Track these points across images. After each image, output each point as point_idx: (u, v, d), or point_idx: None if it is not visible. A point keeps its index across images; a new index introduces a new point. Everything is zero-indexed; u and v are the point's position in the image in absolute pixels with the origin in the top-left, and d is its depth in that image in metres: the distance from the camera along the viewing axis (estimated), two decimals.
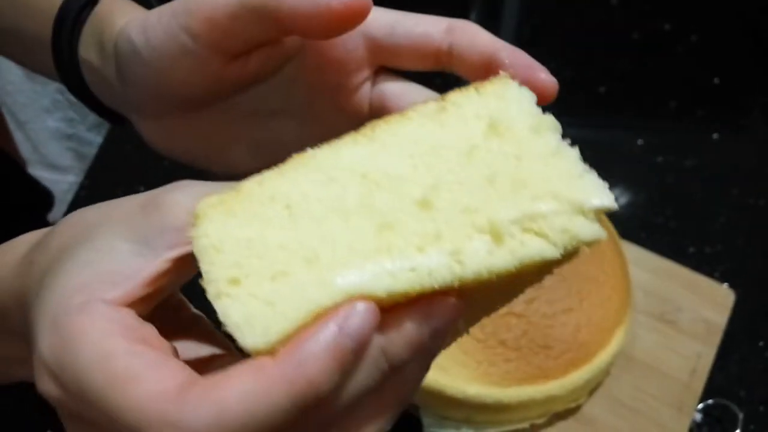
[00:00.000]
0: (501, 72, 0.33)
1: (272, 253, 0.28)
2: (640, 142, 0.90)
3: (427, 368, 0.31)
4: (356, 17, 0.33)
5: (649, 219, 0.84)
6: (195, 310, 0.35)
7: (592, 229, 0.29)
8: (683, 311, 0.73)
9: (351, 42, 0.36)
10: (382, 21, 0.36)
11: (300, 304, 0.27)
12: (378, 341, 0.27)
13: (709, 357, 0.70)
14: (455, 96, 0.32)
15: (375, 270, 0.27)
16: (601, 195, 0.29)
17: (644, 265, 0.76)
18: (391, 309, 0.28)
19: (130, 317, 0.28)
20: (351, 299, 0.27)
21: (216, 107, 0.39)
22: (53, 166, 1.29)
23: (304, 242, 0.28)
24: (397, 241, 0.28)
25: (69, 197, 0.91)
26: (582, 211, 0.29)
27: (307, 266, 0.27)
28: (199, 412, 0.25)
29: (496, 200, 0.29)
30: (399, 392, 0.29)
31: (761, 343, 0.75)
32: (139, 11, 0.41)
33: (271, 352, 0.26)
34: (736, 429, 0.67)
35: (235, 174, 0.40)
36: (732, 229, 0.85)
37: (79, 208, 0.33)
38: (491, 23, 1.07)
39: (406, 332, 0.28)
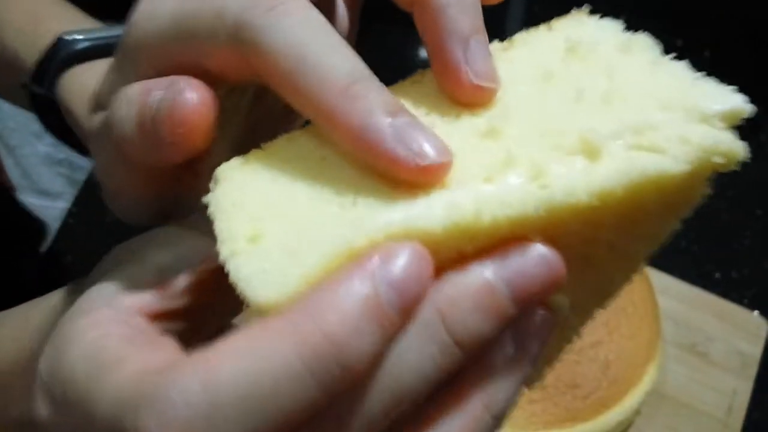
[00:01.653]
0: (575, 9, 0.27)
1: (302, 204, 0.23)
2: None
3: (521, 370, 0.22)
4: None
5: (672, 243, 0.80)
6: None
7: (723, 138, 0.22)
8: (715, 342, 0.69)
9: None
10: None
11: (326, 245, 0.21)
12: (435, 302, 0.20)
13: (745, 392, 0.65)
14: (523, 35, 0.27)
15: (426, 203, 0.21)
16: (725, 97, 0.23)
17: (671, 293, 0.71)
18: (456, 262, 0.21)
19: (144, 324, 0.23)
20: (394, 239, 0.20)
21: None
22: (44, 192, 1.26)
23: (341, 190, 0.23)
24: (456, 175, 0.22)
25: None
26: (704, 118, 0.23)
27: (341, 212, 0.22)
28: (182, 386, 0.18)
29: (587, 118, 0.23)
30: (479, 387, 0.21)
31: None
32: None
33: (282, 305, 0.20)
34: None
35: None
36: (758, 251, 0.81)
37: (67, 236, 0.29)
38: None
39: (475, 288, 0.20)
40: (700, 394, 0.65)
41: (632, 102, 0.23)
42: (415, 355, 0.19)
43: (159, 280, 0.25)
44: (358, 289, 0.19)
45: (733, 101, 0.23)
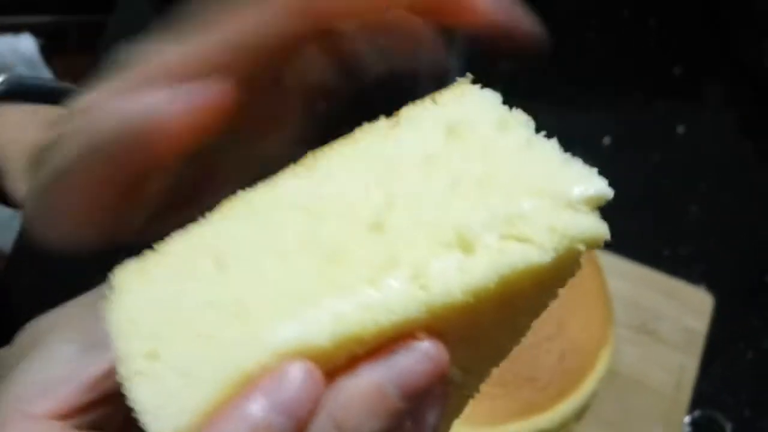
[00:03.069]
0: (458, 79, 0.28)
1: (197, 314, 0.23)
2: (606, 140, 0.89)
3: (397, 424, 0.23)
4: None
5: (619, 222, 0.82)
6: None
7: (586, 223, 0.24)
8: (663, 320, 0.72)
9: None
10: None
11: (219, 371, 0.22)
12: (328, 410, 0.21)
13: (692, 367, 0.69)
14: (409, 110, 0.28)
15: (314, 315, 0.22)
16: (587, 181, 0.24)
17: (619, 274, 0.74)
18: (347, 366, 0.22)
19: (55, 427, 0.24)
20: (285, 357, 0.21)
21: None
22: None
23: (234, 295, 0.23)
24: (342, 277, 0.23)
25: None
26: (570, 204, 0.24)
27: (234, 322, 0.23)
28: None
29: (462, 207, 0.24)
30: None
31: (741, 345, 0.74)
32: None
33: None
34: None
35: None
36: (704, 227, 0.84)
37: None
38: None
39: (366, 392, 0.21)
40: (650, 372, 0.69)
41: (504, 189, 0.24)
42: None
43: (69, 373, 0.25)
44: (252, 423, 0.20)
45: (596, 186, 0.24)
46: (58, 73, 1.02)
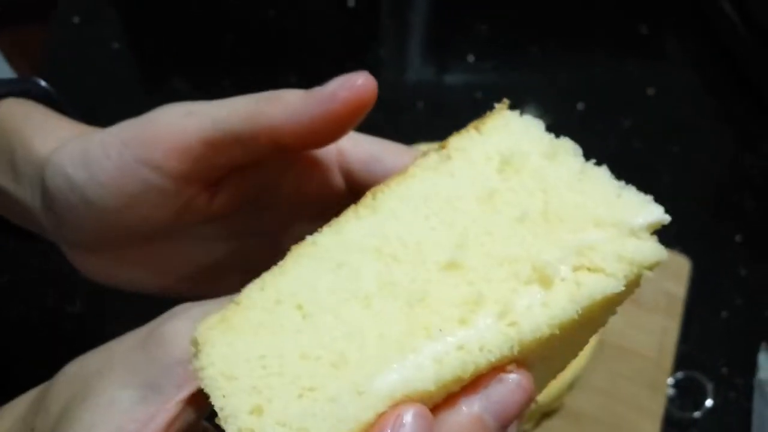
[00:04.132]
0: (497, 104, 0.29)
1: (293, 365, 0.24)
2: (580, 106, 0.89)
3: None
4: (357, 113, 0.29)
5: None
6: None
7: (650, 250, 0.26)
8: (644, 286, 0.74)
9: (330, 177, 0.33)
10: (360, 153, 0.33)
11: (337, 425, 0.23)
12: None
13: (673, 330, 0.72)
14: (456, 140, 0.29)
15: (416, 360, 0.23)
16: (647, 210, 0.27)
17: None
18: (446, 401, 0.24)
19: None
20: (395, 403, 0.23)
21: (172, 236, 0.34)
22: None
23: (327, 344, 0.24)
24: (432, 318, 0.24)
25: None
26: (632, 232, 0.26)
27: (335, 373, 0.23)
28: None
29: (534, 242, 0.26)
30: None
31: (717, 304, 0.78)
32: (63, 129, 0.35)
33: None
34: (706, 398, 0.70)
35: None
36: (677, 189, 0.86)
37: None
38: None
39: (466, 422, 0.23)
40: (634, 337, 0.72)
41: (570, 221, 0.26)
42: None
43: (138, 420, 0.26)
44: None
45: (656, 214, 0.26)
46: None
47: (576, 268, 0.25)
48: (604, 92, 0.93)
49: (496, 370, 0.24)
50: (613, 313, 0.28)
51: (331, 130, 0.30)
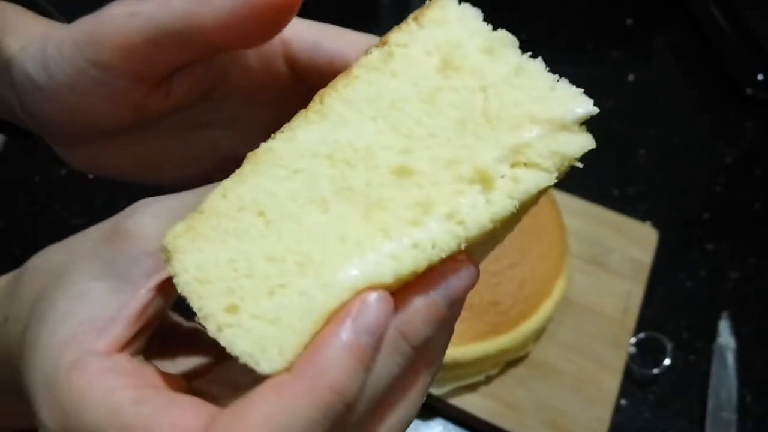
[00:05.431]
0: None
1: (261, 267, 0.26)
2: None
3: (450, 333, 0.30)
4: (281, 15, 0.30)
5: (575, 166, 0.88)
6: (188, 324, 0.35)
7: (580, 141, 0.28)
8: (612, 253, 0.79)
9: (273, 64, 0.34)
10: (303, 42, 0.33)
11: (307, 313, 0.25)
12: (395, 326, 0.26)
13: (638, 294, 0.76)
14: (397, 36, 0.29)
15: (375, 257, 0.26)
16: (577, 102, 0.28)
17: (573, 211, 0.80)
18: (401, 289, 0.27)
19: (127, 362, 0.27)
20: (359, 293, 0.26)
21: (142, 129, 0.36)
22: None
23: (291, 247, 0.26)
24: (388, 220, 0.27)
25: None
26: (565, 126, 0.28)
27: (302, 271, 0.26)
28: None
29: (475, 143, 0.28)
30: (427, 366, 0.29)
31: (682, 274, 0.81)
32: (34, 27, 0.36)
33: (288, 368, 0.25)
34: (665, 358, 0.74)
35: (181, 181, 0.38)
36: (651, 168, 0.90)
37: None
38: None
39: (423, 309, 0.27)
40: (600, 299, 0.75)
41: (507, 119, 0.28)
42: (386, 367, 0.26)
43: (114, 313, 0.27)
44: (346, 345, 0.24)
45: (585, 106, 0.28)
46: None
47: (514, 165, 0.27)
48: (588, 76, 0.97)
49: (446, 260, 0.27)
50: (545, 192, 0.30)
51: (260, 29, 0.30)
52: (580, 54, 1.01)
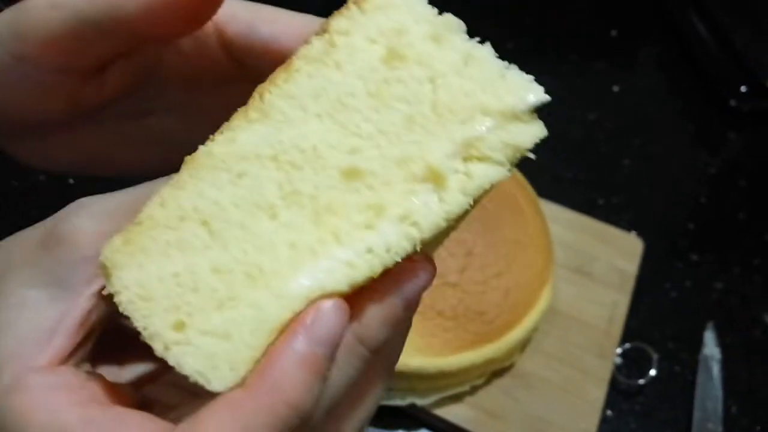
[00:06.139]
0: None
1: (207, 280, 0.25)
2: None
3: (407, 332, 0.29)
4: (207, 3, 0.29)
5: (559, 174, 0.88)
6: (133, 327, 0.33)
7: (532, 131, 0.27)
8: (598, 262, 0.78)
9: (207, 48, 0.32)
10: (237, 26, 0.31)
11: (259, 326, 0.24)
12: (352, 330, 0.25)
13: (624, 304, 0.75)
14: (338, 22, 0.28)
15: (329, 265, 0.25)
16: (529, 90, 0.26)
17: (559, 221, 0.80)
18: (356, 293, 0.26)
19: (71, 375, 0.26)
20: (313, 302, 0.24)
21: (83, 121, 0.34)
22: None
23: (238, 257, 0.25)
24: (340, 225, 0.26)
25: None
26: (517, 116, 0.26)
27: (251, 282, 0.25)
28: None
29: (426, 139, 0.26)
30: (385, 366, 0.28)
31: (667, 285, 0.81)
32: None
33: (241, 383, 0.24)
34: (651, 368, 0.73)
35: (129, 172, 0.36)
36: (636, 178, 0.90)
37: None
38: None
39: (379, 313, 0.26)
40: (586, 308, 0.75)
41: (457, 111, 0.27)
42: (344, 372, 0.25)
43: (53, 324, 0.26)
44: (300, 357, 0.24)
45: (537, 95, 0.26)
46: None
47: (466, 159, 0.26)
48: (573, 87, 0.97)
49: (402, 261, 0.26)
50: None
51: (187, 18, 0.29)
52: (565, 65, 1.01)
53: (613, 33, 1.06)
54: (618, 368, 0.73)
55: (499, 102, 0.26)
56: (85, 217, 0.26)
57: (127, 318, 0.26)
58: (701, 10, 1.01)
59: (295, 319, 0.24)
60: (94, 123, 0.35)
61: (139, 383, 0.30)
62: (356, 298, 0.26)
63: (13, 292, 0.26)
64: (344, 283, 0.25)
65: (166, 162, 0.28)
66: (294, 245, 0.25)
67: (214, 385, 0.24)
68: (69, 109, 0.32)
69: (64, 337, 0.26)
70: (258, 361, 0.24)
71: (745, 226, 0.87)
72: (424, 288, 0.27)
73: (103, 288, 0.26)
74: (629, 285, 0.77)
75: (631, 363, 0.74)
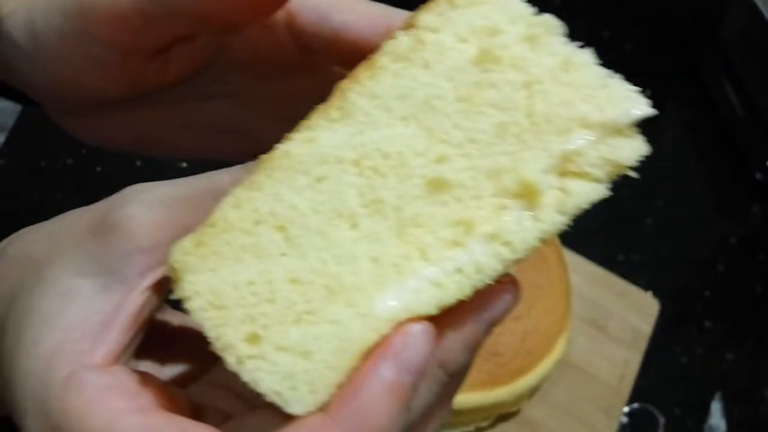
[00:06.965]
0: None
1: (284, 291, 0.23)
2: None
3: (476, 352, 0.28)
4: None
5: (583, 226, 0.87)
6: (176, 322, 0.32)
7: (635, 146, 0.25)
8: (613, 318, 0.78)
9: (275, 34, 0.31)
10: (309, 14, 0.30)
11: (342, 346, 0.22)
12: (435, 355, 0.24)
13: (635, 363, 0.75)
14: (426, 17, 0.25)
15: (416, 284, 0.23)
16: (633, 103, 0.25)
17: (578, 271, 0.79)
18: (440, 314, 0.24)
19: (127, 377, 0.24)
20: (399, 324, 0.23)
21: (143, 101, 0.34)
22: None
23: (317, 267, 0.23)
24: (426, 240, 0.24)
25: None
26: (618, 130, 0.25)
27: (331, 296, 0.23)
28: None
29: (520, 150, 0.24)
30: (457, 387, 0.28)
31: (678, 349, 0.81)
32: None
33: (321, 407, 0.22)
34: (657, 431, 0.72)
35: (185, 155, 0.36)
36: (657, 239, 0.90)
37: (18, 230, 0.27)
38: None
39: (461, 337, 0.25)
40: (597, 363, 0.74)
41: (555, 121, 0.24)
42: (423, 397, 0.24)
43: (107, 318, 0.24)
44: (388, 385, 0.22)
45: (642, 108, 0.25)
46: None
47: (563, 175, 0.24)
48: None
49: (491, 284, 0.24)
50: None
51: (259, 7, 0.28)
52: None
53: (646, 93, 1.07)
54: (623, 427, 0.72)
55: (601, 114, 0.24)
56: (140, 204, 0.25)
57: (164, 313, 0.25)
58: (734, 79, 1.02)
59: (382, 342, 0.23)
60: (153, 103, 0.34)
61: (180, 382, 0.29)
62: (436, 318, 0.24)
63: (60, 280, 0.25)
64: (432, 305, 0.23)
65: (219, 149, 0.27)
66: (377, 259, 0.23)
67: (293, 408, 0.22)
68: (130, 88, 0.32)
69: (117, 333, 0.24)
70: (341, 386, 0.22)
71: (760, 299, 0.87)
72: (509, 311, 0.26)
73: (158, 282, 0.25)
74: (642, 344, 0.76)
75: (636, 424, 0.73)
